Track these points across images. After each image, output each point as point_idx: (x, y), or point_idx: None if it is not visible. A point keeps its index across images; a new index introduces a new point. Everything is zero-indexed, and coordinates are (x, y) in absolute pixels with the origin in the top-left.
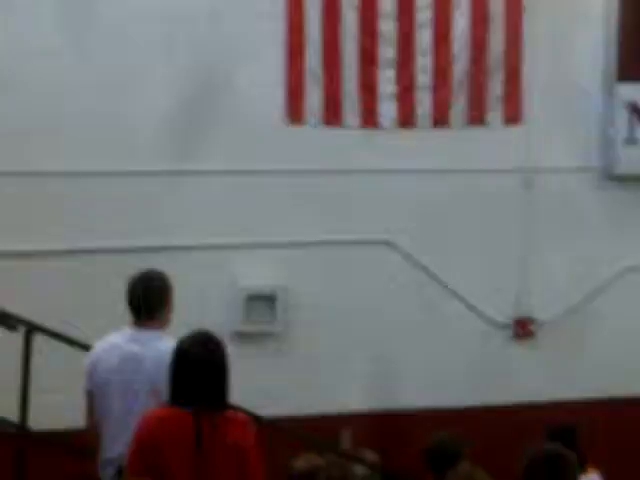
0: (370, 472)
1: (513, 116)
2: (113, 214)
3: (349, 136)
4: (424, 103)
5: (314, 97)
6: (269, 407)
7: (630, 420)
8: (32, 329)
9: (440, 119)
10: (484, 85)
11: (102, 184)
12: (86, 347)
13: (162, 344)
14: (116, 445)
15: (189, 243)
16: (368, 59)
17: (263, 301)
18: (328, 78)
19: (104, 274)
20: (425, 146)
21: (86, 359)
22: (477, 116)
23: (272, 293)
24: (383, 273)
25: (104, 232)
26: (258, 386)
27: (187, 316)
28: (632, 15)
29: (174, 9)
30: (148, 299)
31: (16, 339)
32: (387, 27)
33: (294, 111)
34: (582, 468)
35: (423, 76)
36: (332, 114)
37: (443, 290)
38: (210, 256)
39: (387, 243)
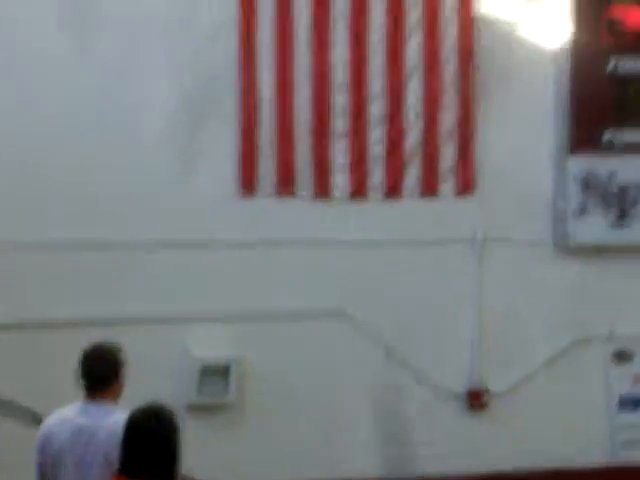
0: None
1: (465, 187)
2: (66, 286)
3: (302, 207)
4: (376, 174)
5: (267, 168)
6: (223, 479)
7: None
8: None
9: (392, 190)
10: (436, 156)
11: (56, 255)
12: (37, 420)
13: (115, 416)
14: None
15: (142, 315)
16: (321, 130)
17: (217, 373)
18: (281, 149)
19: (56, 346)
20: (377, 217)
21: (38, 433)
22: (429, 187)
23: (226, 365)
24: (336, 344)
25: (56, 304)
26: (212, 458)
27: (140, 388)
28: (583, 88)
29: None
30: (100, 372)
31: None
32: (340, 98)
33: (247, 182)
34: None
35: (375, 147)
36: (285, 184)
37: (396, 360)
38: (163, 328)
39: (340, 314)
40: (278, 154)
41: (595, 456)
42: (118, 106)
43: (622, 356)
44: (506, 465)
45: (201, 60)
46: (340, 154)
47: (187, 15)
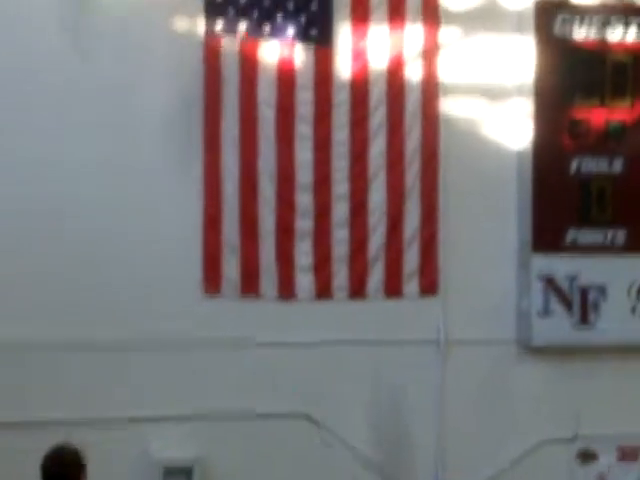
0: None
1: (429, 288)
2: (27, 387)
3: (267, 307)
4: (341, 275)
5: (231, 268)
6: None
7: None
8: None
9: (357, 290)
10: (400, 257)
11: (15, 356)
12: None
13: None
14: None
15: (105, 415)
16: (285, 231)
17: (180, 474)
18: (245, 249)
19: (16, 448)
20: (341, 317)
21: None
22: (393, 288)
23: (189, 466)
24: (300, 446)
25: (16, 405)
26: None
27: None
28: (546, 188)
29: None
30: (61, 475)
31: None
32: (304, 199)
33: (211, 281)
34: None
35: (340, 248)
36: (249, 284)
37: (362, 463)
38: (126, 428)
39: (304, 416)
40: (242, 254)
41: None
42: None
43: (587, 456)
44: None
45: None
46: (304, 254)
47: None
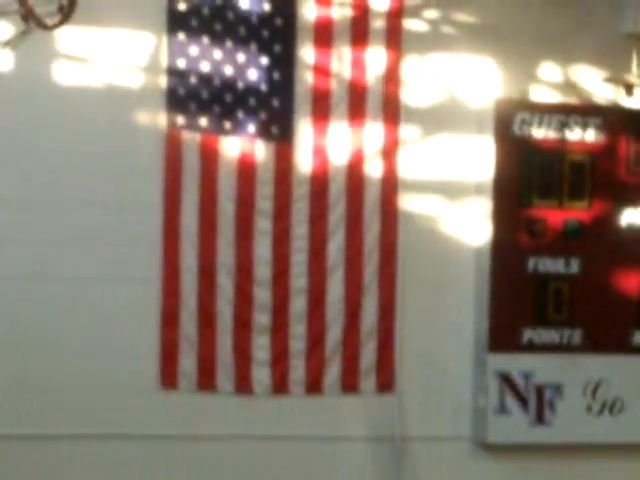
0: None
1: (386, 384)
2: None
3: (223, 401)
4: (298, 369)
5: (188, 362)
6: None
7: None
8: None
9: (313, 386)
10: (357, 353)
11: None
12: None
13: None
14: None
15: None
16: (242, 325)
17: None
18: (203, 343)
19: None
20: (298, 412)
21: None
22: (350, 383)
23: None
24: None
25: None
26: None
27: None
28: (503, 286)
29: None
30: None
31: None
32: (262, 293)
33: (167, 375)
34: None
35: (297, 342)
36: (206, 378)
37: None
38: None
39: None
40: (200, 348)
41: None
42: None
43: None
44: None
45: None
46: (262, 349)
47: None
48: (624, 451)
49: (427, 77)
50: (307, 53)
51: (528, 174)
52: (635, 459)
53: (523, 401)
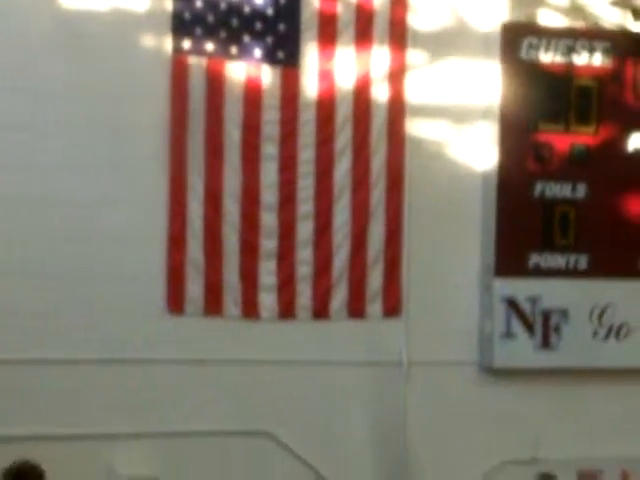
0: None
1: (392, 309)
2: None
3: (230, 326)
4: (304, 295)
5: (195, 286)
6: None
7: None
8: None
9: (320, 311)
10: (364, 278)
11: None
12: None
13: None
14: None
15: (67, 432)
16: (249, 250)
17: None
18: (209, 268)
19: None
20: (304, 337)
21: None
22: (356, 308)
23: None
24: (262, 464)
25: None
26: None
27: None
28: (510, 212)
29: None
30: None
31: None
32: (268, 219)
33: (174, 300)
34: None
35: (303, 268)
36: (213, 304)
37: None
38: (88, 445)
39: (266, 434)
40: (206, 273)
41: None
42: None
43: (546, 479)
44: None
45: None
46: (268, 274)
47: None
48: (630, 375)
49: (434, 1)
50: None
51: (535, 99)
52: (637, 383)
53: (529, 326)
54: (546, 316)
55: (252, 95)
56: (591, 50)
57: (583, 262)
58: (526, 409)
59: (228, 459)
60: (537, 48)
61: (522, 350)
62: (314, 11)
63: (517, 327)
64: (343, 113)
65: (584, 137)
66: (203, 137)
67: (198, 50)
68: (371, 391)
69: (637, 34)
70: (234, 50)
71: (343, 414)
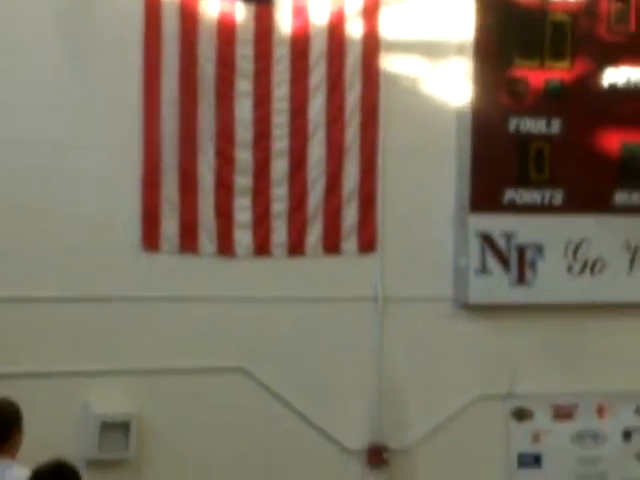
0: None
1: (368, 245)
2: None
3: (205, 263)
4: (279, 231)
5: (170, 224)
6: None
7: None
8: None
9: (295, 247)
10: (339, 214)
11: None
12: None
13: (13, 472)
14: None
15: (42, 369)
16: (224, 187)
17: (117, 428)
18: (184, 205)
19: None
20: (280, 274)
21: None
22: (332, 244)
23: (126, 420)
24: (237, 400)
25: None
26: None
27: (39, 443)
28: (485, 147)
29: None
30: None
31: None
32: (243, 156)
33: (149, 237)
34: None
35: (278, 205)
36: (188, 241)
37: (297, 418)
38: (63, 383)
39: (241, 371)
40: (181, 210)
41: None
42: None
43: (522, 414)
44: None
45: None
46: (243, 211)
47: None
48: (604, 310)
49: None
50: None
51: (509, 34)
52: (615, 318)
53: (504, 261)
54: (521, 252)
55: (226, 31)
56: None
57: (558, 197)
58: (501, 344)
59: (204, 396)
60: None
61: (497, 286)
62: None
63: (492, 263)
64: (317, 49)
65: (559, 72)
66: (177, 74)
67: None
68: (347, 327)
69: None
70: None
71: (319, 350)
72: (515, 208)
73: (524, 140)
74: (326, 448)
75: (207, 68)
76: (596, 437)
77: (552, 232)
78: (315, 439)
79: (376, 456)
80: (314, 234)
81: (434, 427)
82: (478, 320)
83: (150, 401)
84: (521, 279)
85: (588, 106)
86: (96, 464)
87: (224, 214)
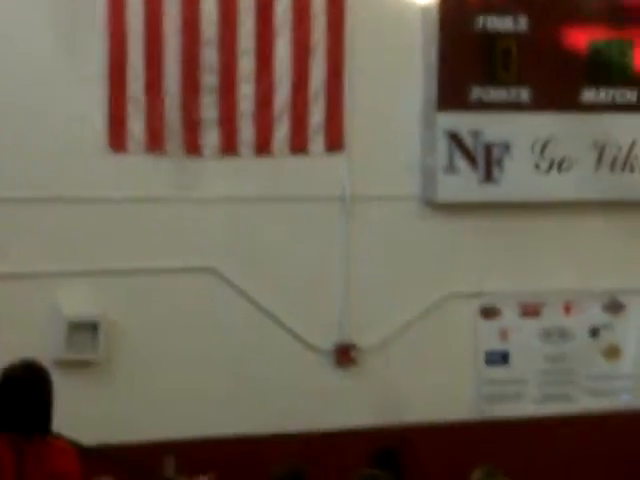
0: None
1: (335, 144)
2: None
3: (172, 163)
4: (246, 130)
5: (136, 124)
6: (91, 435)
7: (449, 444)
8: None
9: (262, 147)
10: (306, 113)
11: None
12: None
13: None
14: None
15: (10, 270)
16: (190, 86)
17: (85, 329)
18: (150, 105)
19: None
20: (247, 173)
21: None
22: (299, 143)
23: (94, 321)
24: (206, 300)
25: None
26: (80, 414)
27: (8, 343)
28: (451, 45)
29: None
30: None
31: None
32: (209, 54)
33: (116, 138)
34: None
35: (245, 103)
36: (154, 141)
37: (266, 317)
38: (31, 284)
39: (210, 271)
40: (147, 110)
41: (462, 411)
42: None
43: (489, 312)
44: (374, 420)
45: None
46: (209, 110)
47: None
48: (571, 208)
49: None
50: None
51: None
52: (582, 216)
53: (472, 160)
54: (488, 150)
55: None
56: None
57: (525, 95)
58: (469, 243)
59: (173, 296)
60: None
61: (465, 184)
62: None
63: (460, 161)
64: None
65: None
66: None
67: None
68: (314, 227)
69: None
70: None
71: (287, 250)
72: (482, 106)
73: (491, 38)
74: (295, 348)
75: None
76: (563, 334)
77: (519, 130)
78: (284, 339)
79: (344, 355)
80: (281, 133)
81: (402, 325)
82: (446, 219)
83: (119, 302)
84: (488, 177)
85: (555, 3)
86: (64, 365)
87: (190, 113)
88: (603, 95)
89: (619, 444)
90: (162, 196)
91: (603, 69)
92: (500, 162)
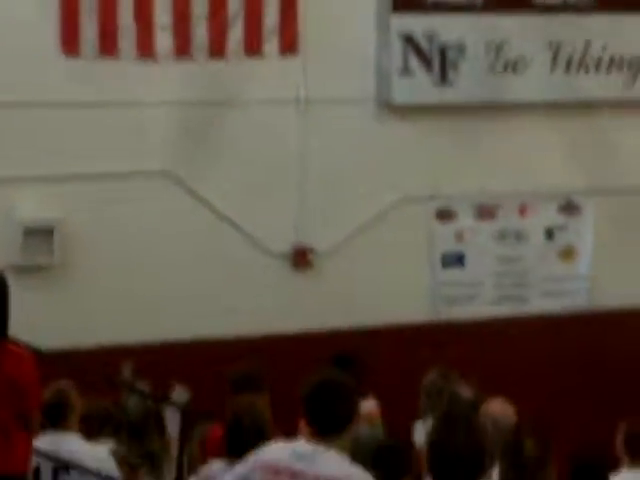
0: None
1: (289, 46)
2: None
3: (126, 67)
4: (200, 33)
5: (89, 28)
6: (48, 340)
7: (405, 346)
8: None
9: (216, 50)
10: (260, 15)
11: None
12: None
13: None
14: None
15: None
16: None
17: (41, 234)
18: (103, 8)
19: None
20: (202, 77)
21: None
22: (254, 46)
23: (50, 226)
24: (160, 204)
25: None
26: (37, 319)
27: None
28: None
29: None
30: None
31: None
32: None
33: (69, 42)
34: (361, 394)
35: (198, 6)
36: (108, 45)
37: (222, 220)
38: None
39: (166, 175)
40: (100, 14)
41: (418, 312)
42: None
43: (445, 214)
44: (331, 323)
45: None
46: (163, 13)
47: None
48: (527, 109)
49: None
50: None
51: None
52: (538, 117)
53: (427, 62)
54: (443, 52)
55: None
56: None
57: None
58: (425, 146)
59: (130, 200)
60: None
61: (420, 86)
62: None
63: (414, 63)
64: None
65: None
66: None
67: None
68: (270, 129)
69: None
70: None
71: (243, 154)
72: (437, 8)
73: None
74: (252, 252)
75: None
76: (518, 236)
77: (473, 32)
78: (241, 243)
79: (301, 258)
80: (235, 35)
81: (358, 228)
82: (401, 121)
83: (75, 206)
84: (444, 79)
85: None
86: (20, 270)
87: (143, 17)
88: None
89: (573, 345)
90: (116, 100)
91: None
92: (455, 64)
